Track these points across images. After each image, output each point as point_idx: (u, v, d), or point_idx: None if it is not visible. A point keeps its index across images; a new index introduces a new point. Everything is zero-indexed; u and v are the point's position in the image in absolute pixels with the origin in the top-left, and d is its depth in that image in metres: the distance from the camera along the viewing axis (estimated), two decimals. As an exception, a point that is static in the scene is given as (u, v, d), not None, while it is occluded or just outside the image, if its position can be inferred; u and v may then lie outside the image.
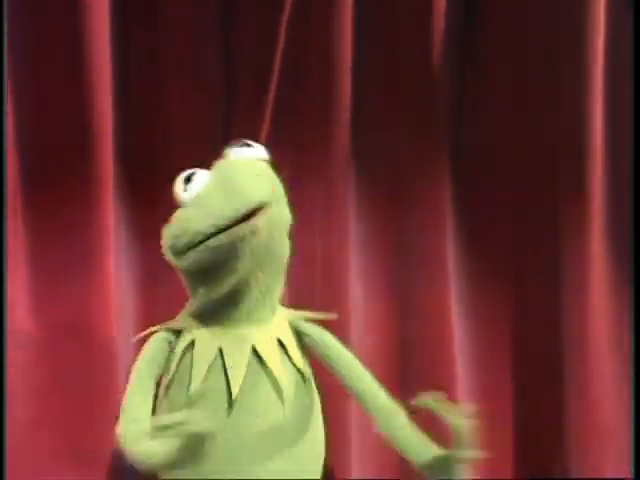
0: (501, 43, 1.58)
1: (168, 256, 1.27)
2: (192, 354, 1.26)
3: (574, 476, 1.56)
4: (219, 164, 1.27)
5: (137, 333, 1.45)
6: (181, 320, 1.31)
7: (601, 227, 1.59)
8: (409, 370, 1.53)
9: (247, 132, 1.48)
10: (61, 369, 1.42)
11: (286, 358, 1.27)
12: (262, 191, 1.20)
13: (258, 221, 1.19)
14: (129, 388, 1.28)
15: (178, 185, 1.26)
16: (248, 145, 1.29)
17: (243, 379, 1.23)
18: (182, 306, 1.42)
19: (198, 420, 1.07)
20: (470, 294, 1.63)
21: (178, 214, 1.26)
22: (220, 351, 1.25)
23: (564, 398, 1.58)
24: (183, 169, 1.44)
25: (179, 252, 1.24)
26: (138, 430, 1.21)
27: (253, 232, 1.19)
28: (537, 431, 1.62)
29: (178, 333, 1.30)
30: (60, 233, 1.44)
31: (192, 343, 1.27)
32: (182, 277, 1.30)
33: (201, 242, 1.21)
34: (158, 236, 1.46)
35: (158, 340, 1.31)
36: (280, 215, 1.24)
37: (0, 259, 1.37)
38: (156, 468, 1.17)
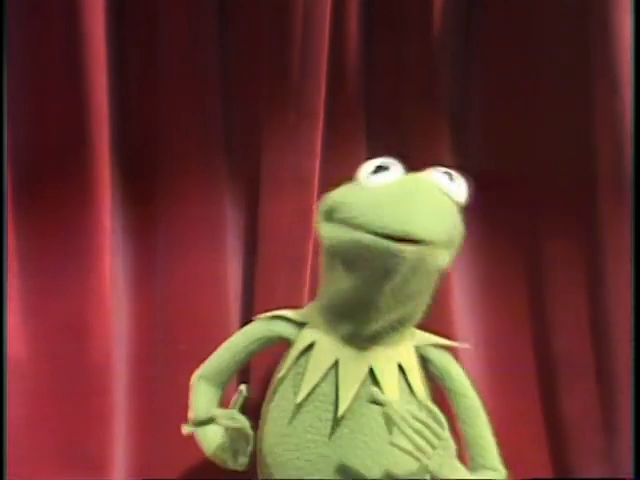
0: (506, 34, 1.54)
1: (318, 219, 1.23)
2: (309, 357, 1.23)
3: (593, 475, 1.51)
4: (418, 176, 1.21)
5: (132, 334, 1.47)
6: (307, 312, 1.28)
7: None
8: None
9: (246, 132, 1.50)
10: (58, 369, 1.41)
11: (405, 385, 1.22)
12: (434, 230, 1.13)
13: (407, 251, 1.12)
14: (219, 349, 1.28)
15: (369, 166, 1.21)
16: (451, 177, 1.23)
17: (353, 399, 1.18)
18: (179, 306, 1.44)
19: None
20: (482, 289, 1.58)
21: (353, 188, 1.21)
22: (336, 363, 1.21)
23: (612, 398, 1.52)
24: (180, 170, 1.46)
25: (326, 218, 1.20)
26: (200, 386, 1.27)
27: (396, 256, 1.12)
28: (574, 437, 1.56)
29: (299, 325, 1.27)
30: (57, 233, 1.42)
31: (311, 345, 1.23)
32: (322, 257, 1.25)
33: (347, 224, 1.17)
34: (154, 236, 1.48)
35: (267, 323, 1.28)
36: (437, 259, 1.16)
37: (0, 260, 1.37)
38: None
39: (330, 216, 1.19)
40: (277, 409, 1.24)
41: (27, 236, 1.42)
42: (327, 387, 1.20)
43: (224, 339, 1.30)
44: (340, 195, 1.21)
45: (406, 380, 1.22)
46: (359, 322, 1.20)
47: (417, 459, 1.12)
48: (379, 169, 1.20)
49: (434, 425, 1.12)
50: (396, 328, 1.22)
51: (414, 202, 1.15)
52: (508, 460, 1.52)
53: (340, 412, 1.18)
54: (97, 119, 1.39)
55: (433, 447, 1.12)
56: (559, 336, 1.57)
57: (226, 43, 1.48)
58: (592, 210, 1.52)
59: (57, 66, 1.39)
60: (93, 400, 1.40)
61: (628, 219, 1.49)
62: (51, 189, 1.42)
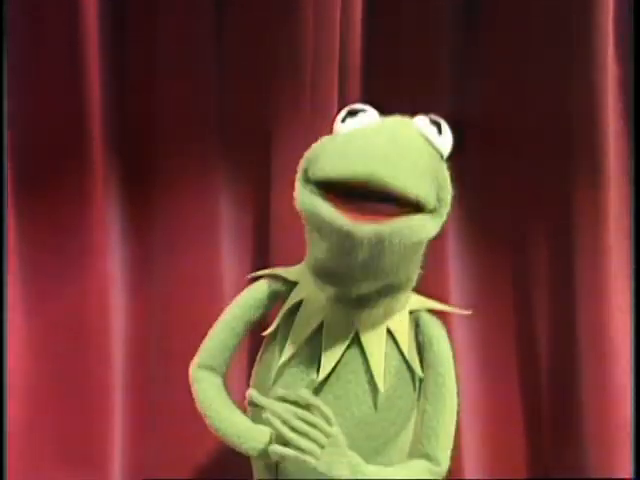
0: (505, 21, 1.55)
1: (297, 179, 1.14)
2: (295, 317, 1.17)
3: (592, 475, 1.53)
4: (396, 120, 1.14)
5: (130, 333, 1.47)
6: (298, 271, 1.21)
7: (619, 216, 1.52)
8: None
9: (244, 130, 1.49)
10: (56, 368, 1.41)
11: (395, 351, 1.16)
12: (420, 190, 1.04)
13: (361, 233, 1.03)
14: (214, 328, 1.22)
15: (343, 111, 1.14)
16: (439, 126, 1.15)
17: (336, 364, 1.13)
18: (176, 305, 1.43)
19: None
20: (472, 290, 1.57)
21: (327, 138, 1.12)
22: (321, 325, 1.15)
23: (581, 398, 1.53)
24: (179, 170, 1.46)
25: (302, 178, 1.11)
26: (210, 383, 1.19)
27: (350, 237, 1.04)
28: (552, 433, 1.58)
29: (292, 284, 1.20)
30: (55, 234, 1.42)
31: (300, 303, 1.18)
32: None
33: (318, 186, 1.08)
34: (152, 236, 1.48)
35: (261, 286, 1.22)
36: (401, 234, 1.06)
37: (0, 258, 1.37)
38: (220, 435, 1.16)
39: (304, 175, 1.12)
40: (264, 369, 1.20)
41: (26, 236, 1.42)
42: (312, 349, 1.15)
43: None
44: (313, 149, 1.13)
45: (397, 346, 1.16)
46: (342, 286, 1.13)
47: (304, 462, 1.06)
48: (352, 114, 1.13)
49: (320, 422, 1.06)
50: (385, 294, 1.14)
51: (376, 145, 1.05)
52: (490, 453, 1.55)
53: (321, 376, 1.13)
54: (96, 118, 1.40)
55: (321, 446, 1.06)
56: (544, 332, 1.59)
57: (225, 42, 1.48)
58: (570, 209, 1.54)
59: (56, 65, 1.39)
60: (92, 399, 1.40)
61: (605, 220, 1.51)
62: (50, 189, 1.42)
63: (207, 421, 1.17)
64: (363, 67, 1.51)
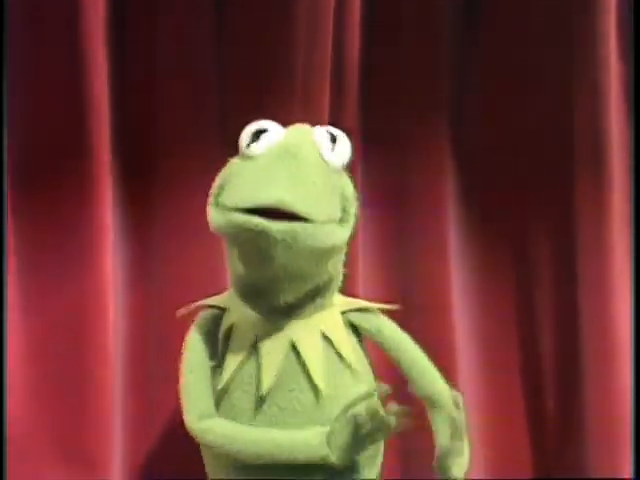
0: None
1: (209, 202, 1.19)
2: (230, 340, 1.21)
3: (593, 475, 1.53)
4: (292, 143, 1.15)
5: (130, 332, 1.47)
6: (226, 297, 1.25)
7: (621, 215, 1.53)
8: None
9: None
10: (56, 367, 1.41)
11: (333, 353, 1.19)
12: (306, 203, 1.09)
13: (275, 229, 1.07)
14: (185, 381, 1.22)
15: (246, 133, 1.18)
16: (334, 140, 1.17)
17: (277, 375, 1.16)
18: (176, 304, 1.39)
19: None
20: (474, 289, 1.58)
21: (233, 163, 1.18)
22: (256, 340, 1.18)
23: (584, 397, 1.54)
24: (179, 168, 1.46)
25: (214, 203, 1.17)
26: (222, 421, 1.18)
27: (265, 234, 1.07)
28: (553, 433, 1.59)
29: (223, 311, 1.24)
30: (56, 232, 1.42)
31: (232, 327, 1.21)
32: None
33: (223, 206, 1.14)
34: (153, 234, 1.48)
35: (200, 320, 1.25)
36: (320, 237, 1.11)
37: (0, 258, 1.37)
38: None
39: (215, 200, 1.17)
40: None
41: (26, 234, 1.42)
42: (251, 366, 1.18)
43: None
44: (222, 174, 1.19)
45: (333, 348, 1.20)
46: (267, 301, 1.17)
47: None
48: (255, 137, 1.17)
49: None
50: (312, 297, 1.19)
51: (280, 172, 1.11)
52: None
53: (264, 390, 1.15)
54: (96, 118, 1.39)
55: None
56: (546, 333, 1.60)
57: (225, 42, 1.48)
58: (573, 208, 1.55)
59: (56, 65, 1.39)
60: (92, 399, 1.40)
61: (606, 220, 1.53)
62: (50, 187, 1.42)
63: (241, 456, 1.16)
64: (363, 67, 1.52)
